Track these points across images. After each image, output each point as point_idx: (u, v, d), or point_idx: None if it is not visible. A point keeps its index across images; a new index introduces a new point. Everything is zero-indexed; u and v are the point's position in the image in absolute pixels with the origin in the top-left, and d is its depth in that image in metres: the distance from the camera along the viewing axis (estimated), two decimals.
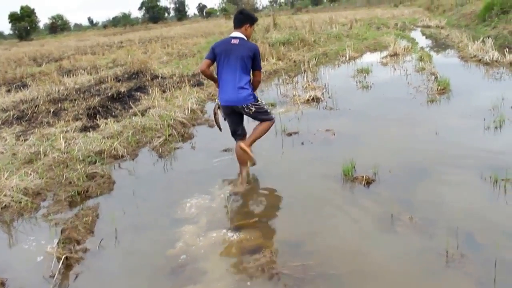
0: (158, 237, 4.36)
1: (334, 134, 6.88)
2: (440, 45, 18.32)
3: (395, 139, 6.56)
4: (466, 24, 23.50)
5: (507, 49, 12.78)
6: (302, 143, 6.64)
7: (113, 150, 6.64)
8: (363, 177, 5.10)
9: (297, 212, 4.67)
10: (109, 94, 10.74)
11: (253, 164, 5.63)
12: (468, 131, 6.60)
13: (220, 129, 5.84)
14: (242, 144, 5.27)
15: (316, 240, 4.07)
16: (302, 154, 6.29)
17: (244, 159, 5.44)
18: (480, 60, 12.48)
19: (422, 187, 4.92)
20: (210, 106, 9.41)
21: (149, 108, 9.03)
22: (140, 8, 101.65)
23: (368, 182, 5.06)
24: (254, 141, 5.47)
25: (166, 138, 7.16)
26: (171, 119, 7.86)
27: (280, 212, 4.73)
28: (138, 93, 10.81)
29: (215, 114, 5.76)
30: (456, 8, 32.25)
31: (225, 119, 5.55)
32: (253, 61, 5.24)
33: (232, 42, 5.24)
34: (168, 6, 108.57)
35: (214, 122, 5.90)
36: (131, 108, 9.20)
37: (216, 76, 5.42)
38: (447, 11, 34.42)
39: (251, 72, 5.35)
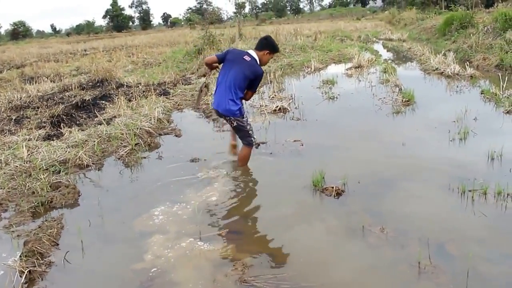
0: (126, 250, 4.25)
1: (303, 145, 6.87)
2: (402, 57, 18.66)
3: (363, 150, 6.58)
4: (427, 38, 24.02)
5: (467, 62, 13.17)
6: (271, 154, 6.61)
7: (78, 160, 6.45)
8: (333, 188, 5.10)
9: (268, 223, 4.62)
10: (74, 102, 10.49)
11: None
12: (434, 143, 6.68)
13: (198, 105, 6.27)
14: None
15: (288, 252, 4.03)
16: (271, 165, 6.25)
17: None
18: (442, 73, 12.80)
19: (391, 198, 4.95)
20: (176, 116, 9.37)
21: (115, 116, 8.87)
22: (104, 17, 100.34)
23: (338, 193, 5.05)
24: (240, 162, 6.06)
25: (132, 147, 7.02)
26: (137, 128, 7.73)
27: (251, 223, 4.68)
28: (103, 102, 10.60)
29: (200, 91, 6.14)
30: (417, 22, 32.96)
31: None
32: (251, 83, 5.60)
33: (244, 57, 5.56)
34: (133, 15, 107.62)
35: (197, 98, 6.09)
36: (96, 116, 9.02)
37: (212, 67, 5.95)
38: (408, 25, 35.15)
39: (245, 91, 5.68)
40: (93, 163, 6.50)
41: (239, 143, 6.19)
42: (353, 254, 3.95)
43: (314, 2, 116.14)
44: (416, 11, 38.68)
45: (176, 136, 7.88)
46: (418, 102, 9.21)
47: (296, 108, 9.35)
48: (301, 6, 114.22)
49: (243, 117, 5.69)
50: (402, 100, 9.28)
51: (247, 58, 5.55)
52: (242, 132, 5.79)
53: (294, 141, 7.05)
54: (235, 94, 5.54)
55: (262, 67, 5.72)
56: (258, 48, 5.69)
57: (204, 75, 5.91)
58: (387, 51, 21.77)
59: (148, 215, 4.84)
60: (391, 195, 5.03)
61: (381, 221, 4.37)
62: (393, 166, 5.87)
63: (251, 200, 5.23)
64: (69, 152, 6.64)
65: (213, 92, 5.89)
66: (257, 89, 5.85)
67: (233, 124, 5.69)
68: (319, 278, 3.60)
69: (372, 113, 8.70)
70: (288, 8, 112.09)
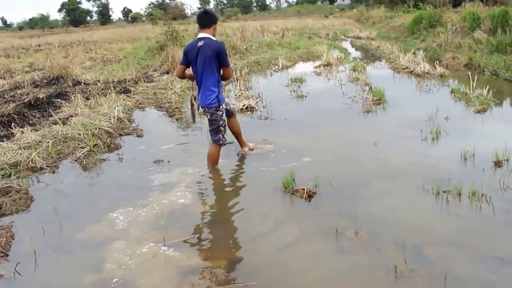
0: (83, 259, 3.89)
1: (271, 145, 6.58)
2: (372, 56, 18.63)
3: (334, 150, 6.35)
4: (395, 37, 24.11)
5: (437, 61, 13.12)
6: (238, 154, 6.30)
7: (30, 162, 6.00)
8: (304, 190, 4.85)
9: (236, 228, 4.37)
10: (26, 100, 9.91)
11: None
12: (407, 142, 6.50)
13: (194, 120, 6.14)
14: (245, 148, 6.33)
15: (258, 259, 3.76)
16: (239, 166, 5.96)
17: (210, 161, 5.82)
18: (411, 71, 12.76)
19: (364, 200, 4.73)
20: (138, 115, 8.94)
21: (71, 116, 8.36)
22: (60, 10, 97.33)
23: (310, 195, 4.81)
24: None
25: (90, 148, 6.58)
26: (96, 128, 7.29)
27: (218, 228, 4.39)
28: (59, 100, 10.07)
29: (192, 105, 5.89)
30: (385, 21, 33.12)
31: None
32: (219, 60, 5.41)
33: (198, 44, 5.40)
34: (91, 9, 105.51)
35: (191, 113, 6.00)
36: (51, 116, 8.53)
37: (190, 77, 5.76)
38: (376, 23, 35.32)
39: (220, 71, 5.55)
40: (47, 166, 6.06)
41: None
42: (326, 259, 3.73)
43: None
44: (384, 9, 38.88)
45: (138, 136, 7.49)
46: (388, 101, 9.03)
47: (264, 107, 9.05)
48: (267, 2, 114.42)
49: (218, 109, 5.58)
50: (373, 99, 9.08)
51: (201, 43, 5.40)
52: (214, 126, 5.65)
53: (263, 140, 6.76)
54: (208, 82, 5.45)
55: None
56: (206, 25, 5.53)
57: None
58: (356, 49, 21.72)
59: (108, 221, 4.49)
60: (365, 197, 4.81)
61: (354, 224, 4.16)
62: (365, 167, 5.65)
63: (218, 203, 4.95)
64: (20, 154, 6.17)
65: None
66: (229, 62, 5.62)
67: (208, 116, 5.61)
68: (292, 286, 3.39)
69: (343, 112, 8.48)
70: (254, 4, 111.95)
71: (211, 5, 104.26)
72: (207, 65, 5.37)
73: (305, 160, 5.93)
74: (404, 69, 13.28)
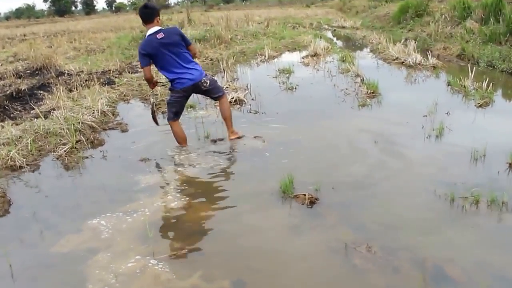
0: (63, 276, 3.51)
1: (264, 142, 6.22)
2: (358, 46, 18.17)
3: (332, 148, 5.99)
4: (381, 26, 23.66)
5: (430, 52, 12.82)
6: (230, 153, 5.93)
7: (9, 160, 5.62)
8: (305, 195, 4.44)
9: (233, 242, 3.92)
10: (8, 92, 9.52)
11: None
12: (409, 140, 6.13)
13: (157, 123, 6.36)
14: (232, 136, 6.24)
15: (261, 279, 3.37)
16: (231, 166, 5.57)
17: (184, 138, 6.06)
18: (402, 62, 12.36)
19: (371, 207, 4.35)
20: (122, 108, 8.54)
21: (54, 109, 7.95)
22: (45, 0, 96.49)
23: (312, 202, 4.40)
24: (231, 122, 6.27)
25: (73, 145, 6.18)
26: (79, 123, 6.90)
27: (213, 242, 3.94)
28: (41, 92, 9.62)
29: (153, 112, 6.18)
30: (369, 10, 32.66)
31: (169, 102, 5.98)
32: (183, 42, 5.70)
33: (158, 36, 5.51)
34: None
35: (152, 119, 6.26)
36: (33, 108, 8.12)
37: (154, 82, 6.07)
38: (360, 13, 34.81)
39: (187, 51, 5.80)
40: (27, 164, 5.68)
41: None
42: (339, 281, 3.33)
43: None
44: None
45: (123, 131, 7.11)
46: (383, 94, 8.68)
47: (253, 99, 8.67)
48: None
49: (207, 74, 6.01)
50: (367, 92, 8.75)
51: (160, 35, 5.54)
52: (215, 83, 6.07)
53: (255, 137, 6.39)
54: (191, 60, 5.79)
55: None
56: (150, 19, 5.62)
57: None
58: (342, 39, 21.27)
59: (91, 229, 4.09)
60: (371, 203, 4.43)
61: (365, 237, 3.77)
62: (367, 168, 5.29)
63: (211, 211, 4.50)
64: None
65: (172, 78, 5.78)
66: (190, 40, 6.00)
67: (207, 82, 5.87)
68: None
69: (336, 105, 8.13)
70: None
71: None
72: (180, 48, 5.64)
73: (302, 160, 5.58)
74: (394, 60, 12.89)
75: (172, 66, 5.64)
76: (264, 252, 3.73)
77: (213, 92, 6.03)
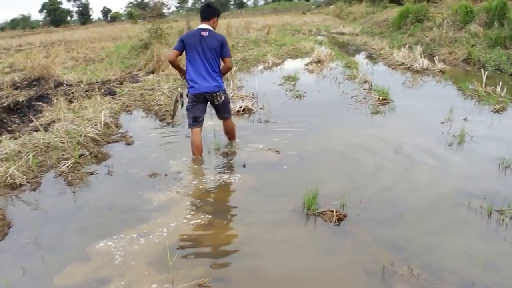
0: None
1: (278, 153, 5.89)
2: (360, 52, 17.97)
3: (351, 159, 5.65)
4: (380, 32, 23.62)
5: (436, 57, 12.60)
6: (244, 166, 5.55)
7: (8, 178, 5.22)
8: (332, 212, 4.09)
9: (260, 267, 3.53)
10: (5, 104, 9.11)
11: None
12: (431, 149, 5.84)
13: (173, 117, 6.47)
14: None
15: None
16: (247, 181, 5.16)
17: (199, 149, 5.83)
18: (409, 68, 12.22)
19: (405, 224, 4.03)
20: (125, 119, 8.15)
21: (54, 121, 7.54)
22: (41, 11, 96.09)
23: (340, 219, 4.06)
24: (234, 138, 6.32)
25: (76, 160, 5.79)
26: (81, 135, 6.53)
27: (238, 267, 3.54)
28: (40, 103, 9.22)
29: (176, 101, 6.05)
30: (367, 16, 32.57)
31: (187, 108, 5.83)
32: (222, 50, 5.61)
33: (202, 34, 5.55)
34: (71, 9, 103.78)
35: (172, 110, 6.24)
36: (32, 121, 7.72)
37: (182, 67, 5.87)
38: (357, 19, 34.75)
39: (220, 62, 5.72)
40: (27, 182, 5.29)
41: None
42: None
43: None
44: (365, 4, 38.55)
45: (128, 144, 6.71)
46: (395, 100, 8.38)
47: (261, 108, 8.33)
48: (244, 0, 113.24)
49: (225, 91, 5.89)
50: (378, 99, 8.44)
51: (204, 33, 5.57)
52: (226, 105, 5.95)
53: (268, 149, 6.05)
54: (215, 69, 5.66)
55: None
56: (206, 18, 5.68)
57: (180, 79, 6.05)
58: (343, 45, 20.99)
59: (99, 255, 3.70)
60: (403, 219, 4.11)
61: (402, 257, 3.45)
62: (391, 180, 4.98)
63: (233, 230, 4.12)
64: None
65: (189, 78, 5.70)
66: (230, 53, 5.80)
67: (221, 98, 5.76)
68: None
69: (348, 113, 7.83)
70: (232, 2, 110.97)
71: (189, 4, 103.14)
72: (213, 54, 5.57)
73: (322, 172, 5.25)
74: (400, 65, 12.77)
75: (194, 66, 5.63)
76: (294, 277, 3.38)
77: (222, 111, 5.98)
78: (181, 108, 5.97)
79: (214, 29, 5.71)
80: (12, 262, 3.69)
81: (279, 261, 3.57)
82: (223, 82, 5.77)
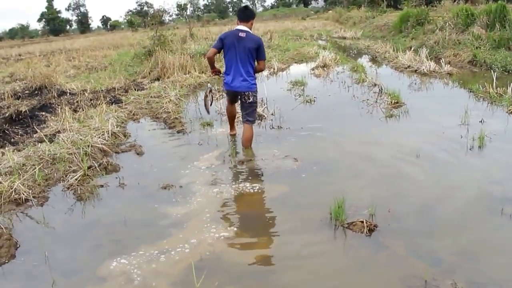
0: None
1: (297, 160, 5.62)
2: (364, 55, 17.91)
3: (373, 165, 5.41)
4: (381, 36, 23.84)
5: (442, 59, 12.56)
6: (262, 175, 5.30)
7: (13, 193, 4.92)
8: (363, 222, 3.84)
9: (296, 284, 3.25)
10: (7, 114, 8.85)
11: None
12: (452, 153, 5.66)
13: (208, 112, 6.73)
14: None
15: None
16: (267, 191, 4.91)
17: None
18: (416, 70, 12.21)
19: (440, 234, 3.78)
20: (132, 127, 7.88)
21: (59, 132, 7.30)
22: (39, 20, 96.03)
23: (370, 229, 3.80)
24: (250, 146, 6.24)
25: (85, 172, 5.49)
26: (88, 146, 6.25)
27: (272, 286, 3.26)
28: (43, 113, 8.98)
29: (206, 97, 6.47)
30: (367, 21, 32.73)
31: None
32: (257, 52, 5.91)
33: (240, 34, 5.84)
34: (70, 18, 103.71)
35: (204, 105, 6.63)
36: (36, 132, 7.46)
37: (216, 69, 6.27)
38: (357, 23, 34.95)
39: (255, 62, 6.01)
40: (34, 197, 4.98)
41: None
42: None
43: (256, 3, 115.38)
44: (365, 9, 38.74)
45: (137, 154, 6.43)
46: (407, 103, 8.19)
47: (272, 114, 8.08)
48: None
49: (257, 92, 6.14)
50: (391, 102, 8.23)
51: (242, 34, 5.82)
52: (253, 107, 6.13)
53: (285, 156, 5.80)
54: (249, 70, 5.93)
55: None
56: (245, 20, 5.97)
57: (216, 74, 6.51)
58: (346, 49, 20.89)
59: (116, 277, 3.40)
60: (436, 228, 3.86)
61: (443, 270, 3.20)
62: (417, 186, 4.75)
63: (259, 245, 3.83)
64: (1, 182, 5.09)
65: (226, 74, 6.07)
66: (265, 56, 6.16)
67: (249, 99, 6.02)
68: None
69: (362, 117, 7.63)
70: (231, 9, 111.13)
71: (189, 11, 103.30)
72: (249, 54, 5.84)
73: (344, 180, 5.01)
74: (406, 68, 12.74)
75: (230, 64, 5.93)
76: None
77: (247, 112, 6.11)
78: (211, 105, 6.42)
79: (251, 31, 5.97)
80: (19, 287, 3.41)
81: (312, 278, 3.30)
82: (255, 84, 6.03)
